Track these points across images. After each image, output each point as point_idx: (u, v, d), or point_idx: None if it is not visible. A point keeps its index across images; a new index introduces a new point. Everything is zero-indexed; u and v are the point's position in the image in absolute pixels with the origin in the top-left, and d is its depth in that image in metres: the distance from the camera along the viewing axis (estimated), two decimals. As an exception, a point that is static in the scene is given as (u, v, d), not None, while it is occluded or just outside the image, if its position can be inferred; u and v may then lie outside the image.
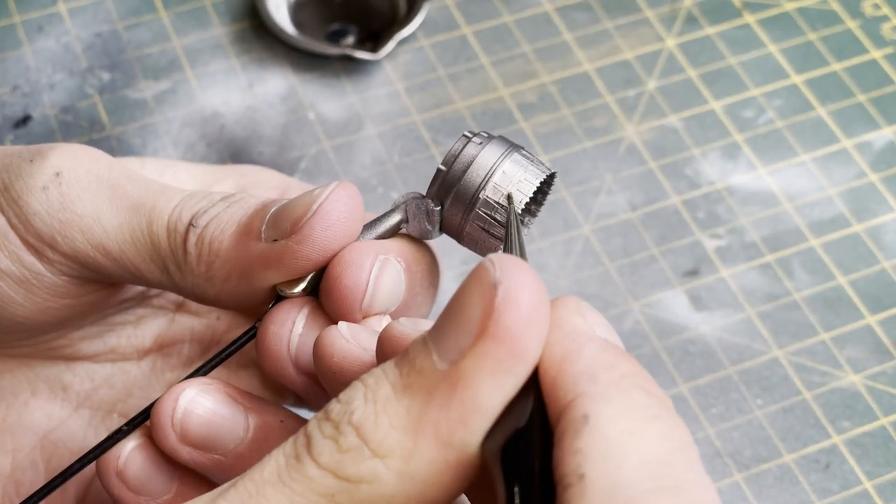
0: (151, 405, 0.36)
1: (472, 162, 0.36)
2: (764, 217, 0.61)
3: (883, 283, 0.59)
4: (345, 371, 0.33)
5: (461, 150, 0.37)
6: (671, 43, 0.67)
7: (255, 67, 0.64)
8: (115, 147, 0.61)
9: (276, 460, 0.27)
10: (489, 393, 0.26)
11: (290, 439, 0.28)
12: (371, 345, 0.34)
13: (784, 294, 0.58)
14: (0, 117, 0.62)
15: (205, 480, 0.38)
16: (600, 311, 0.48)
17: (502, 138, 0.37)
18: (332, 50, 0.64)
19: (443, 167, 0.37)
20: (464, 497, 0.30)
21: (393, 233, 0.38)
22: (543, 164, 0.37)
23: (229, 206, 0.36)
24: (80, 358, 0.43)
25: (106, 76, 0.63)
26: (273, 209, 0.35)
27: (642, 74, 0.66)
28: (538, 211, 0.39)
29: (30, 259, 0.37)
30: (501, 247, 0.37)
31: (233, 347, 0.37)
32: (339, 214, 0.35)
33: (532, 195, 0.37)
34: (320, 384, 0.37)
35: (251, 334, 0.37)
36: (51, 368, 0.43)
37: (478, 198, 0.36)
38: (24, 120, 0.62)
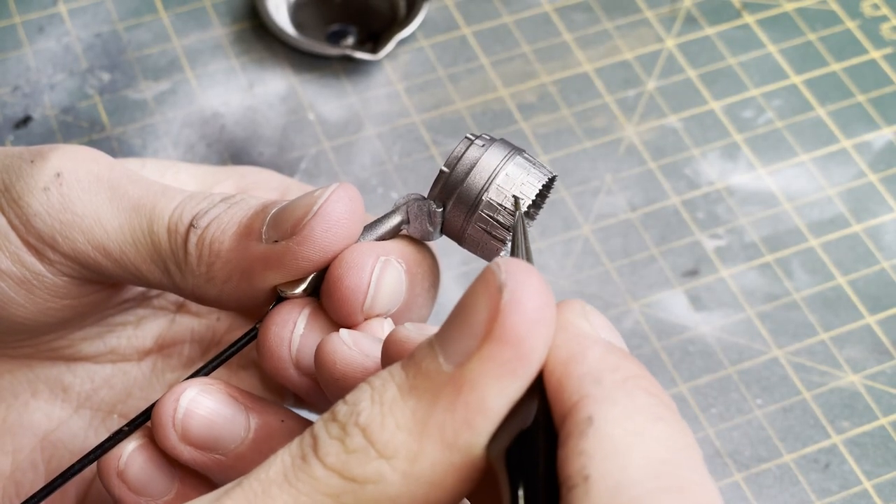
0: (152, 406, 0.36)
1: (474, 164, 0.36)
2: (763, 217, 0.61)
3: (882, 283, 0.59)
4: (347, 378, 0.33)
5: (464, 153, 0.37)
6: (671, 43, 0.67)
7: (255, 68, 0.64)
8: (116, 148, 0.61)
9: (281, 460, 0.27)
10: (494, 395, 0.26)
11: (297, 440, 0.28)
12: (373, 351, 0.34)
13: (783, 294, 0.58)
14: (0, 118, 0.62)
15: (206, 481, 0.38)
16: (600, 312, 0.48)
17: (504, 141, 0.37)
18: (332, 50, 0.64)
19: (445, 169, 0.37)
20: (465, 501, 0.30)
21: (394, 234, 0.38)
22: (545, 168, 0.37)
23: (230, 207, 0.36)
24: (80, 359, 0.43)
25: (106, 77, 0.64)
26: (273, 210, 0.35)
27: (642, 75, 0.66)
28: (536, 214, 0.39)
29: (30, 260, 0.37)
30: (503, 248, 0.37)
31: (234, 348, 0.37)
32: (339, 215, 0.35)
33: (533, 198, 0.37)
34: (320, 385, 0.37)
35: (252, 335, 0.37)
36: (51, 369, 0.43)
37: (481, 200, 0.36)
38: (25, 120, 0.62)
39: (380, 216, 0.38)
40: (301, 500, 0.26)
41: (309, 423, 0.37)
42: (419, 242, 0.39)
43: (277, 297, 0.37)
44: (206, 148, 0.61)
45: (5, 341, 0.41)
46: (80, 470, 0.37)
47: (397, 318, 0.38)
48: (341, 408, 0.27)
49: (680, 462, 0.25)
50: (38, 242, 0.36)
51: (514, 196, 0.36)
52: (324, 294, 0.36)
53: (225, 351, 0.37)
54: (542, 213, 0.59)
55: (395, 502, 0.26)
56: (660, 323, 0.57)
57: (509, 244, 0.37)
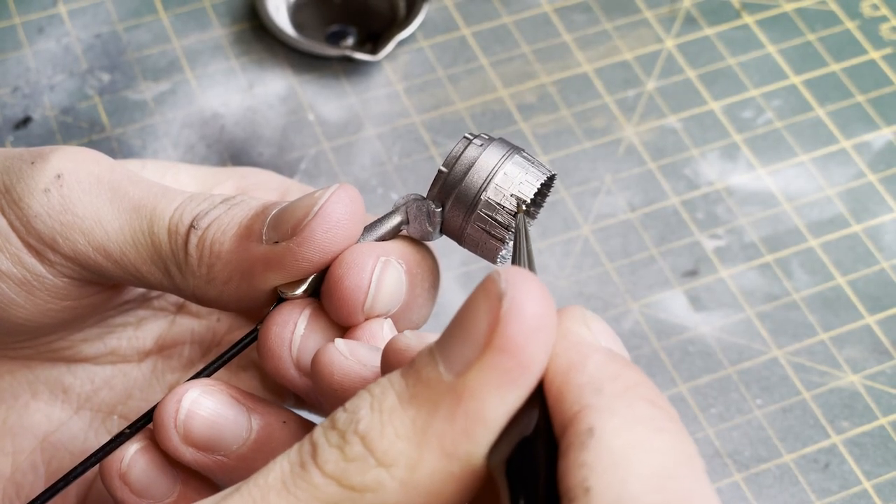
0: (154, 408, 0.36)
1: (473, 164, 0.36)
2: (763, 217, 0.61)
3: (882, 283, 0.59)
4: (345, 388, 0.33)
5: (462, 152, 0.37)
6: (670, 44, 0.67)
7: (254, 68, 0.65)
8: (115, 148, 0.61)
9: (280, 467, 0.27)
10: (494, 405, 0.26)
11: (296, 446, 0.28)
12: (370, 360, 0.34)
13: (783, 294, 0.58)
14: (0, 118, 0.62)
15: (208, 483, 0.38)
16: (600, 312, 0.49)
17: (503, 140, 0.37)
18: (332, 51, 0.64)
19: (444, 169, 0.37)
20: None
21: (394, 234, 0.38)
22: (544, 166, 0.37)
23: (230, 208, 0.36)
24: (80, 360, 0.43)
25: (106, 77, 0.64)
26: (274, 211, 0.35)
27: (641, 75, 0.66)
28: (537, 213, 0.39)
29: (31, 261, 0.37)
30: (502, 248, 0.37)
31: (235, 350, 0.37)
32: (339, 216, 0.35)
33: (532, 197, 0.37)
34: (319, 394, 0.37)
35: (253, 337, 0.37)
36: (51, 370, 0.43)
37: (479, 199, 0.36)
38: (25, 121, 0.62)
39: (379, 217, 0.38)
40: None
41: (310, 425, 0.37)
42: (419, 243, 0.39)
43: (278, 298, 0.37)
44: (205, 148, 0.61)
45: (5, 342, 0.41)
46: (82, 472, 0.37)
47: (398, 318, 0.38)
48: (341, 415, 0.27)
49: (682, 474, 0.24)
50: (39, 244, 0.36)
51: (515, 198, 0.36)
52: (324, 295, 0.36)
53: (226, 352, 0.37)
54: (542, 214, 0.59)
55: None
56: (659, 323, 0.57)
57: (508, 243, 0.37)
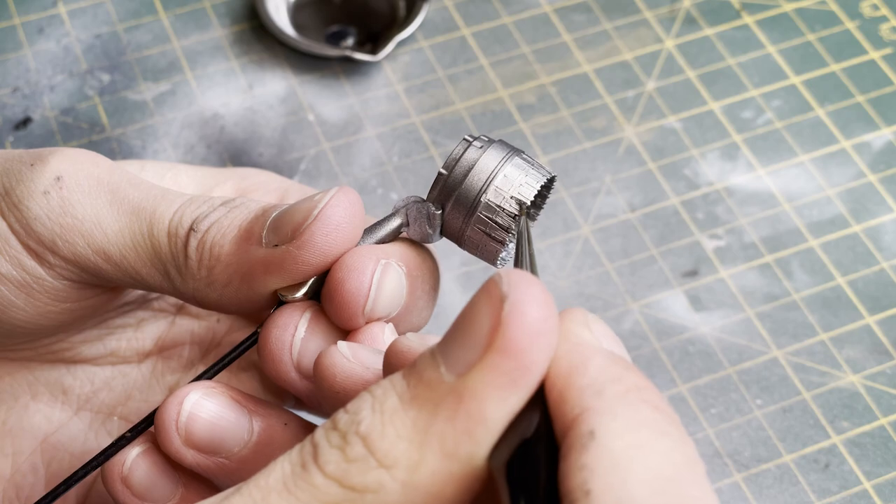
0: (155, 411, 0.36)
1: (473, 166, 0.36)
2: (763, 217, 0.61)
3: (882, 284, 0.59)
4: (348, 391, 0.33)
5: (462, 154, 0.37)
6: (670, 44, 0.67)
7: (254, 69, 0.65)
8: (115, 149, 0.61)
9: (281, 467, 0.27)
10: (495, 406, 0.26)
11: (297, 447, 0.28)
12: (372, 363, 0.34)
13: (783, 294, 0.58)
14: (0, 119, 0.62)
15: (209, 486, 0.38)
16: (600, 312, 0.49)
17: (503, 142, 0.37)
18: (332, 51, 0.64)
19: (444, 171, 0.37)
20: None
21: (394, 237, 0.38)
22: (544, 168, 0.37)
23: (230, 210, 0.36)
24: (80, 361, 0.43)
25: (106, 78, 0.64)
26: (274, 214, 0.35)
27: (641, 75, 0.66)
28: (537, 214, 0.39)
29: (30, 263, 0.37)
30: (502, 250, 0.37)
31: (235, 353, 0.37)
32: (339, 220, 0.35)
33: (532, 199, 0.37)
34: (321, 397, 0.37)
35: (253, 340, 0.37)
36: (51, 372, 0.43)
37: (479, 201, 0.36)
38: (25, 122, 0.62)
39: (379, 219, 0.38)
40: None
41: (311, 426, 0.37)
42: (419, 245, 0.39)
43: (278, 301, 0.37)
44: (205, 149, 0.61)
45: (5, 344, 0.41)
46: (83, 476, 0.37)
47: (398, 320, 0.38)
48: (342, 416, 0.27)
49: (683, 477, 0.24)
50: (39, 246, 0.36)
51: (515, 200, 0.36)
52: (325, 298, 0.36)
53: (227, 355, 0.37)
54: (542, 214, 0.59)
55: None
56: (659, 323, 0.57)
57: (508, 245, 0.37)
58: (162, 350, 0.44)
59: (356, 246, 0.36)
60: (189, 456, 0.36)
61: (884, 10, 0.69)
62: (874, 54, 0.67)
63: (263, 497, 0.27)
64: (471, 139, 0.37)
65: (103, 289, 0.39)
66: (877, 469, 0.53)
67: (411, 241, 0.38)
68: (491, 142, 0.37)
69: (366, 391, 0.28)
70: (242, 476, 0.36)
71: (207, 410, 0.36)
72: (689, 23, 0.68)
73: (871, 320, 0.58)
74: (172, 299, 0.44)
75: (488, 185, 0.36)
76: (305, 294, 0.36)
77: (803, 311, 0.58)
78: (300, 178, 0.61)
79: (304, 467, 0.27)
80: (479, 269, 0.58)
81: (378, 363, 0.34)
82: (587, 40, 0.67)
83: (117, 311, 0.43)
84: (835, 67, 0.67)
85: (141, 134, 0.62)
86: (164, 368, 0.44)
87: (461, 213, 0.37)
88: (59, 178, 0.36)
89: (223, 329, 0.44)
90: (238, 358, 0.37)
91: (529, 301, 0.26)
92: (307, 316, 0.37)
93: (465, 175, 0.36)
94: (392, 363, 0.31)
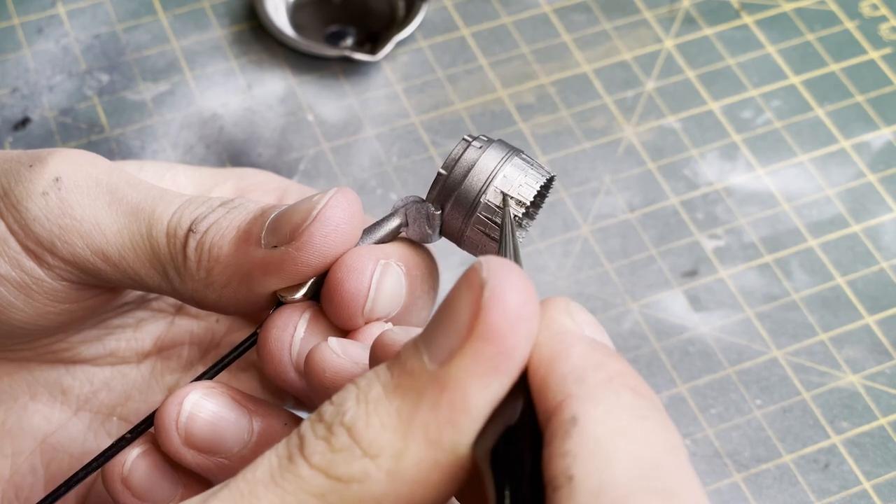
0: (154, 412, 0.36)
1: (472, 166, 0.36)
2: (762, 217, 0.61)
3: (881, 284, 0.59)
4: (337, 386, 0.33)
5: (461, 155, 0.37)
6: (669, 44, 0.67)
7: (253, 69, 0.64)
8: (114, 149, 0.61)
9: (268, 460, 0.27)
10: (478, 394, 0.26)
11: (284, 440, 0.28)
12: (362, 358, 0.34)
13: (783, 294, 0.58)
14: (-1, 120, 0.62)
15: (209, 486, 0.38)
16: (599, 312, 0.49)
17: (502, 142, 0.37)
18: (331, 51, 0.64)
19: (443, 171, 0.37)
20: (454, 499, 0.30)
21: (393, 237, 0.38)
22: (543, 168, 0.37)
23: (229, 211, 0.36)
24: (79, 361, 0.43)
25: (105, 78, 0.64)
26: (272, 215, 0.35)
27: (641, 75, 0.66)
28: (536, 214, 0.39)
29: (29, 264, 0.37)
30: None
31: (235, 353, 0.37)
32: (338, 221, 0.35)
33: (533, 198, 0.37)
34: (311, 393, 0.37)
35: (252, 340, 0.37)
36: (50, 372, 0.43)
37: (479, 202, 0.36)
38: (24, 122, 0.62)
39: (379, 219, 0.38)
40: (287, 500, 0.26)
41: None
42: (418, 245, 0.39)
43: (277, 302, 0.37)
44: (204, 149, 0.61)
45: (4, 344, 0.41)
46: (84, 477, 0.37)
47: (397, 320, 0.38)
48: (327, 408, 0.28)
49: (665, 462, 0.25)
50: (37, 247, 0.36)
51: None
52: (324, 298, 0.36)
53: (227, 356, 0.37)
54: (542, 214, 0.59)
55: (381, 501, 0.26)
56: (659, 323, 0.57)
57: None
58: (161, 350, 0.44)
59: (355, 246, 0.36)
60: (189, 456, 0.36)
61: (883, 10, 0.69)
62: (874, 54, 0.67)
63: (251, 490, 0.27)
64: (470, 139, 0.37)
65: (102, 289, 0.39)
66: (876, 469, 0.53)
67: (410, 241, 0.38)
68: (490, 142, 0.37)
69: (351, 383, 0.28)
70: None
71: (207, 410, 0.36)
72: (689, 23, 0.68)
73: (870, 320, 0.58)
74: (171, 300, 0.44)
75: (488, 186, 0.36)
76: (304, 295, 0.36)
77: (803, 311, 0.58)
78: (299, 178, 0.60)
79: (290, 459, 0.27)
80: (478, 269, 0.58)
81: (367, 358, 0.34)
82: (587, 40, 0.67)
83: (116, 311, 0.43)
84: (834, 67, 0.67)
85: (140, 134, 0.62)
86: (163, 369, 0.44)
87: (460, 214, 0.37)
88: (57, 179, 0.36)
89: (222, 329, 0.44)
90: (238, 358, 0.37)
91: (509, 287, 0.26)
92: (306, 316, 0.37)
93: (465, 175, 0.36)
94: (378, 356, 0.32)
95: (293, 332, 0.36)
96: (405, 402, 0.26)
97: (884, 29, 0.68)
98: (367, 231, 0.37)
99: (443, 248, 0.41)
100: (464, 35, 0.67)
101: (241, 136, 0.62)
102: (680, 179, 0.62)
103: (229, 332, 0.44)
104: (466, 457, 0.26)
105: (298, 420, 0.38)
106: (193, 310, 0.44)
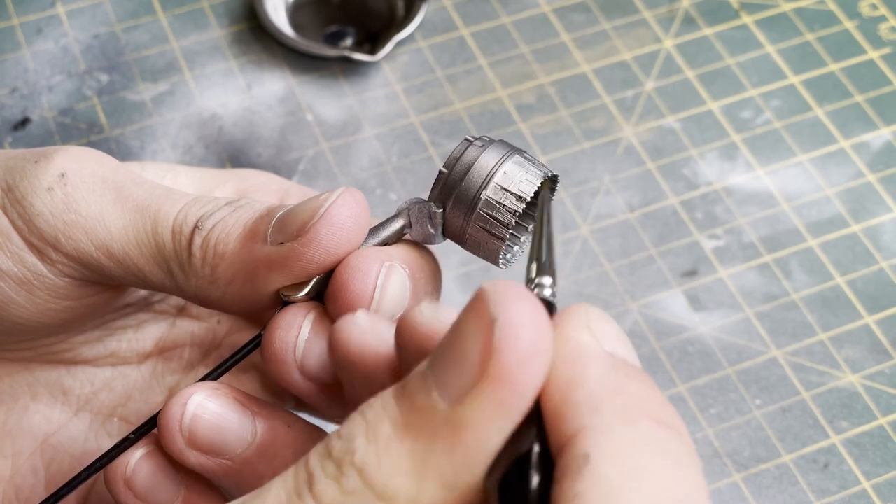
0: (157, 413, 0.36)
1: (472, 164, 0.36)
2: (762, 217, 0.61)
3: (881, 283, 0.59)
4: (362, 363, 0.32)
5: (462, 153, 0.37)
6: (669, 44, 0.67)
7: (253, 69, 0.64)
8: (114, 149, 0.61)
9: (276, 495, 0.27)
10: (492, 434, 0.25)
11: (291, 471, 0.27)
12: (389, 335, 0.33)
13: (782, 294, 0.58)
14: (-2, 119, 0.62)
15: (211, 488, 0.38)
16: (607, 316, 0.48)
17: (503, 142, 0.37)
18: (331, 52, 0.64)
19: (444, 170, 0.37)
20: None
21: (397, 238, 0.38)
22: (544, 166, 0.37)
23: (235, 210, 0.36)
24: (80, 362, 0.43)
25: (104, 78, 0.63)
26: (279, 213, 0.35)
27: (640, 75, 0.66)
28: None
29: (32, 260, 0.37)
30: (503, 247, 0.37)
31: (239, 354, 0.37)
32: (345, 219, 0.35)
33: (533, 196, 0.37)
34: (325, 390, 0.37)
35: (257, 341, 0.37)
36: (51, 372, 0.43)
37: (479, 198, 0.36)
38: (23, 122, 0.62)
39: (382, 220, 0.38)
40: None
41: (314, 429, 0.37)
42: (422, 247, 0.39)
43: (281, 302, 0.36)
44: (204, 149, 0.61)
45: (5, 343, 0.41)
46: (86, 478, 0.37)
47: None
48: (336, 443, 0.27)
49: None
50: (41, 243, 0.36)
51: (517, 197, 0.36)
52: (329, 299, 0.36)
53: (231, 356, 0.37)
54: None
55: None
56: (658, 323, 0.57)
57: (509, 243, 0.37)
58: (162, 351, 0.44)
59: (360, 248, 0.36)
60: (192, 457, 0.36)
61: (882, 10, 0.69)
62: (873, 54, 0.67)
63: None
64: (471, 139, 0.37)
65: (104, 287, 0.39)
66: (876, 469, 0.53)
67: (414, 244, 0.38)
68: (491, 141, 0.37)
69: (357, 413, 0.27)
70: (245, 477, 0.36)
71: (211, 411, 0.36)
72: (688, 23, 0.68)
73: (870, 320, 0.58)
74: (174, 301, 0.44)
75: (488, 182, 0.36)
76: (308, 294, 0.36)
77: (802, 310, 0.58)
78: (299, 178, 0.60)
79: (299, 496, 0.26)
80: (478, 268, 0.58)
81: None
82: (586, 40, 0.67)
83: (118, 312, 0.42)
84: (834, 67, 0.67)
85: (139, 134, 0.62)
86: (164, 370, 0.44)
87: (462, 211, 0.37)
88: (63, 175, 0.36)
89: (224, 330, 0.44)
90: (243, 359, 0.37)
91: (521, 322, 0.25)
92: (311, 317, 0.36)
93: (465, 173, 0.36)
94: (404, 337, 0.30)
95: (297, 333, 0.36)
96: (417, 444, 0.26)
97: (883, 29, 0.68)
98: (371, 232, 0.37)
99: (444, 249, 0.41)
100: (463, 35, 0.67)
101: (240, 137, 0.62)
102: (679, 179, 0.62)
103: (230, 333, 0.44)
104: (479, 492, 0.26)
105: (302, 422, 0.38)
106: (195, 311, 0.44)
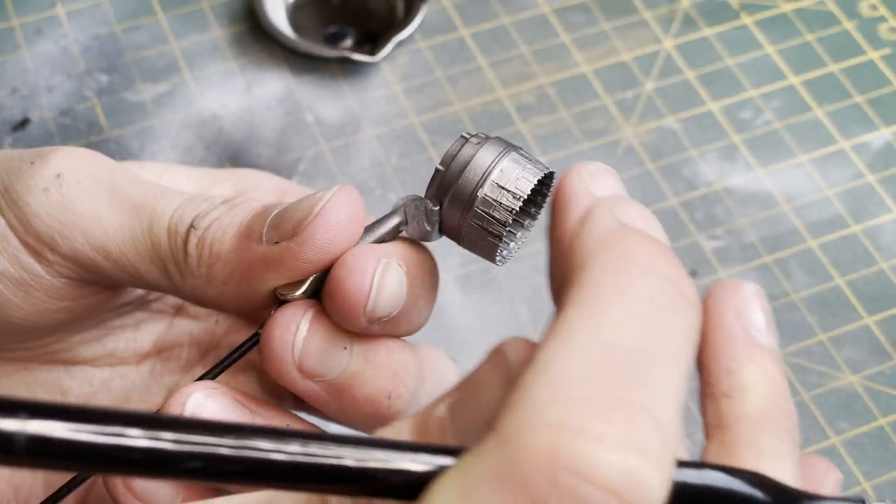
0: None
1: (469, 161, 0.36)
2: (762, 218, 0.61)
3: (881, 284, 0.59)
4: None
5: (459, 151, 0.37)
6: (669, 44, 0.67)
7: (252, 70, 0.64)
8: (114, 150, 0.61)
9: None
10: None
11: None
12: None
13: (782, 295, 0.58)
14: (-2, 120, 0.62)
15: (210, 488, 0.38)
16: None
17: (500, 139, 0.37)
18: (330, 52, 0.64)
19: (441, 167, 0.37)
20: None
21: (393, 235, 0.38)
22: (541, 164, 0.37)
23: (230, 209, 0.36)
24: (78, 362, 0.43)
25: (104, 79, 0.63)
26: (275, 212, 0.35)
27: (640, 76, 0.66)
28: (538, 213, 0.39)
29: (28, 261, 0.37)
30: (499, 245, 0.37)
31: (238, 353, 0.37)
32: (340, 217, 0.35)
33: (530, 193, 0.37)
34: (323, 389, 0.37)
35: (255, 341, 0.37)
36: (49, 372, 0.43)
37: (475, 196, 0.36)
38: (23, 123, 0.62)
39: (378, 218, 0.38)
40: None
41: (314, 429, 0.37)
42: (419, 245, 0.39)
43: (278, 301, 0.36)
44: (203, 150, 0.61)
45: (3, 344, 0.41)
46: (85, 479, 0.37)
47: (398, 320, 0.38)
48: None
49: (643, 356, 0.23)
50: (37, 243, 0.36)
51: (514, 196, 0.36)
52: (326, 297, 0.36)
53: (229, 356, 0.37)
54: (542, 214, 0.59)
55: None
56: (659, 324, 0.57)
57: (506, 241, 0.37)
58: (160, 351, 0.44)
59: (356, 245, 0.36)
60: None
61: (882, 11, 0.69)
62: (873, 54, 0.67)
63: None
64: (468, 136, 0.37)
65: (101, 287, 0.39)
66: (876, 469, 0.53)
67: (411, 241, 0.38)
68: (488, 138, 0.37)
69: None
70: None
71: (210, 411, 0.36)
72: (688, 23, 0.68)
73: (870, 321, 0.58)
74: (171, 300, 0.44)
75: (484, 180, 0.36)
76: (304, 292, 0.36)
77: (802, 311, 0.58)
78: (298, 178, 0.60)
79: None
80: (477, 269, 0.58)
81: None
82: (586, 40, 0.67)
83: (115, 312, 0.42)
84: (833, 68, 0.67)
85: (139, 135, 0.62)
86: (162, 370, 0.44)
87: (458, 209, 0.37)
88: (59, 176, 0.36)
89: (222, 330, 0.44)
90: (241, 358, 0.37)
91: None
92: (309, 315, 0.36)
93: (462, 170, 0.36)
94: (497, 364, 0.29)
95: (296, 332, 0.36)
96: None
97: (883, 29, 0.68)
98: (368, 230, 0.37)
99: (442, 249, 0.41)
100: (463, 35, 0.67)
101: (240, 137, 0.62)
102: (679, 180, 0.62)
103: (229, 332, 0.44)
104: None
105: (300, 421, 0.38)
106: (193, 311, 0.44)
